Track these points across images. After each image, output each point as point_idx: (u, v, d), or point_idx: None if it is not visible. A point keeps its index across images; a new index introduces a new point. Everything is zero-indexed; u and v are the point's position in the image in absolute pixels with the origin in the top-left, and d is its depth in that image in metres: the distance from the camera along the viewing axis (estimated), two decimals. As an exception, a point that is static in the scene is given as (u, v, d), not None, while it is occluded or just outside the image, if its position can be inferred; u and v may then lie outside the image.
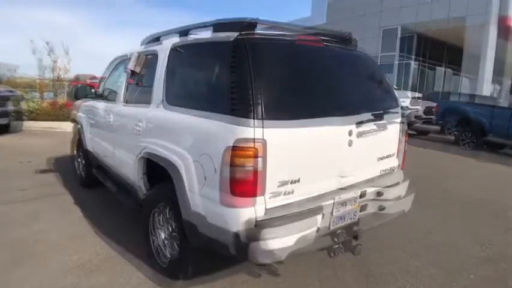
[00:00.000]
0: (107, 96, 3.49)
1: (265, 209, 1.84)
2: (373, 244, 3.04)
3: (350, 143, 2.17)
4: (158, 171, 2.56)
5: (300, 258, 2.77)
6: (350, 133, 2.16)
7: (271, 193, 1.84)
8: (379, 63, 2.60)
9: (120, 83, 3.27)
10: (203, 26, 2.40)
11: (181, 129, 2.17)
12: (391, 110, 2.54)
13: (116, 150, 3.18)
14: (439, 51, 17.76)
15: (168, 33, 2.90)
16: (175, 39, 2.62)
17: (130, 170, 2.84)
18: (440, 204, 4.57)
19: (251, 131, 1.74)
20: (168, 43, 2.64)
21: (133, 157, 2.73)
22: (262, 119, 1.75)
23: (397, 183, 2.54)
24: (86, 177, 4.40)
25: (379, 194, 2.36)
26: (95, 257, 2.79)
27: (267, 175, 1.79)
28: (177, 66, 2.49)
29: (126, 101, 3.11)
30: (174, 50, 2.51)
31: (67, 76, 11.94)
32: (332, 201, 2.07)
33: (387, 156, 2.57)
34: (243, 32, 1.98)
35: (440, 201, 4.66)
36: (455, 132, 9.20)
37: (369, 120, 2.26)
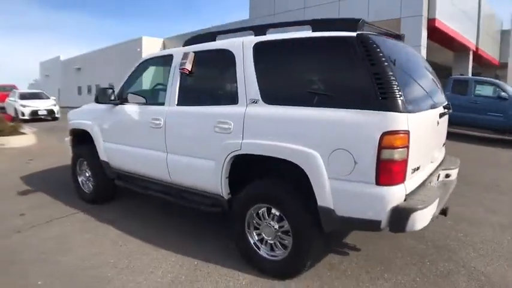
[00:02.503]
0: (143, 99, 3.19)
1: (409, 184, 2.08)
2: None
3: (436, 132, 2.56)
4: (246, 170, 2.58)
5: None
6: (438, 123, 2.53)
7: (412, 169, 2.09)
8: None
9: (165, 84, 3.05)
10: (290, 24, 2.45)
11: (310, 124, 2.17)
12: (448, 103, 2.97)
13: (170, 155, 2.97)
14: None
15: (227, 31, 2.86)
16: (252, 37, 2.60)
17: (202, 173, 2.73)
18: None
19: (404, 115, 1.95)
20: (246, 41, 2.59)
21: (211, 160, 2.64)
22: (406, 104, 1.98)
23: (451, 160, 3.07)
24: (97, 192, 3.95)
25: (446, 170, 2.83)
26: (181, 269, 2.62)
27: (411, 155, 2.03)
28: (274, 63, 2.48)
29: (182, 102, 2.92)
30: (262, 48, 2.49)
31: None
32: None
33: (444, 143, 3.03)
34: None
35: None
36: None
37: (444, 113, 2.68)
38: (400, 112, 1.94)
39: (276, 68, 2.48)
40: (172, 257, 2.79)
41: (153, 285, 2.42)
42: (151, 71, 3.58)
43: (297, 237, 2.31)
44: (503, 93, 8.43)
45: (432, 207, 2.08)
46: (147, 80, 3.69)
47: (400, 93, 1.96)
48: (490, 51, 20.34)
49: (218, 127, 2.58)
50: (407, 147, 1.97)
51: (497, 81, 9.58)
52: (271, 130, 2.33)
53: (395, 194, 1.98)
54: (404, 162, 1.98)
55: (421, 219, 2.01)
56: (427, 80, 2.70)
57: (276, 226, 2.43)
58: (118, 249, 2.95)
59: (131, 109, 3.36)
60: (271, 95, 2.39)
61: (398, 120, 1.94)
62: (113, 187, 3.97)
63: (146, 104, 3.28)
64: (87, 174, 4.06)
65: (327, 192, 2.11)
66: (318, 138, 2.14)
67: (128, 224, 3.46)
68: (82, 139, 4.14)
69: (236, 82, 2.55)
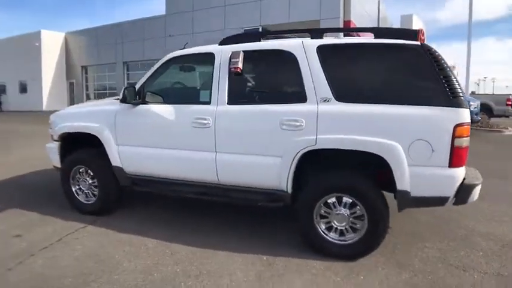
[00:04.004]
0: (177, 98, 3.00)
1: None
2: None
3: None
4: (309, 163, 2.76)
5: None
6: None
7: None
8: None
9: (205, 82, 2.97)
10: (351, 30, 2.69)
11: (391, 118, 2.46)
12: None
13: (221, 155, 2.91)
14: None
15: (276, 32, 2.98)
16: (309, 40, 2.77)
17: (264, 170, 2.81)
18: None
19: (467, 110, 2.41)
20: (306, 43, 2.74)
21: (276, 156, 2.73)
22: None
23: None
24: (105, 201, 3.56)
25: None
26: (255, 266, 2.64)
27: None
28: (344, 65, 2.68)
29: (235, 101, 2.88)
30: (328, 50, 2.67)
31: None
32: None
33: None
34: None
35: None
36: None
37: None
38: (465, 108, 2.40)
39: (347, 70, 2.69)
40: (237, 257, 2.78)
41: (244, 286, 2.41)
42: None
43: (374, 220, 2.58)
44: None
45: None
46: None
47: (463, 92, 2.41)
48: (385, 51, 23.68)
49: (286, 124, 2.67)
50: (469, 136, 2.44)
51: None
52: (350, 125, 2.54)
53: (461, 174, 2.45)
54: (467, 148, 2.45)
55: (477, 192, 2.53)
56: None
57: (348, 213, 2.67)
58: (173, 258, 2.78)
59: (160, 109, 3.13)
60: (344, 94, 2.60)
61: (464, 115, 2.39)
62: (120, 194, 3.67)
63: (187, 103, 3.13)
64: (88, 183, 3.61)
65: (406, 177, 2.44)
66: (399, 131, 2.45)
67: (158, 230, 3.24)
68: (74, 145, 3.68)
69: (302, 81, 2.68)
